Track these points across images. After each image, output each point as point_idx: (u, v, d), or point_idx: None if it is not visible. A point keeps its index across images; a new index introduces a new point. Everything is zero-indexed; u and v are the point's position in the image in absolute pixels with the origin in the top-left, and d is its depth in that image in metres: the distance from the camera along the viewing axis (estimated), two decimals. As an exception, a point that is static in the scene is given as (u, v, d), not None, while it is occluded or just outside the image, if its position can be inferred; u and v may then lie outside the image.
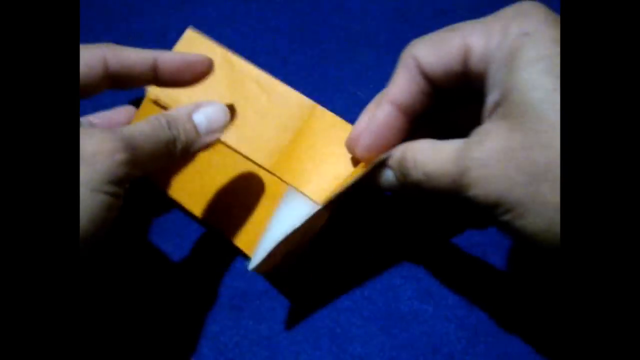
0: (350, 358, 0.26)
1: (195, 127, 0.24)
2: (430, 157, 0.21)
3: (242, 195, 0.29)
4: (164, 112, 0.24)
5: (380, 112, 0.23)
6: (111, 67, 0.25)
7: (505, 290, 0.28)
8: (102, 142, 0.20)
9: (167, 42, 0.37)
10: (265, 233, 0.27)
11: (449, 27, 0.22)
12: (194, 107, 0.25)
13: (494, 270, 0.28)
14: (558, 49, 0.18)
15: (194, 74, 0.27)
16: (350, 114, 0.34)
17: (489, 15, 0.21)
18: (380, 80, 0.35)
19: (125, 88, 0.26)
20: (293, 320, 0.27)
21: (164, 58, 0.26)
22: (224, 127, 0.26)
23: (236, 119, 0.30)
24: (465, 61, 0.21)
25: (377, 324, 0.27)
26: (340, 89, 0.34)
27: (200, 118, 0.25)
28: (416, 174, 0.21)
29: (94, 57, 0.25)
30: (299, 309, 0.28)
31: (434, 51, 0.21)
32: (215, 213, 0.29)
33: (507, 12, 0.20)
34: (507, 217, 0.18)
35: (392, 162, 0.23)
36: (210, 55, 0.28)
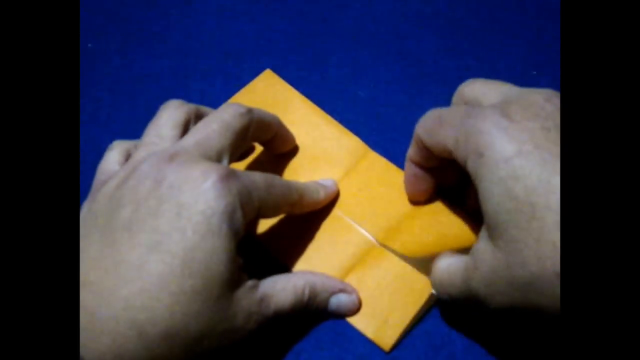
0: (352, 358, 0.26)
1: (326, 303, 0.27)
2: (447, 280, 0.24)
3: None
4: (309, 280, 0.26)
5: (407, 168, 0.28)
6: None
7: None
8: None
9: (168, 42, 0.37)
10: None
11: (439, 115, 0.24)
12: (338, 289, 0.27)
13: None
14: (511, 166, 0.19)
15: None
16: (350, 113, 0.34)
17: (463, 115, 0.22)
18: (380, 80, 0.35)
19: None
20: (295, 319, 0.27)
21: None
22: (348, 315, 0.27)
23: (305, 161, 0.31)
24: (450, 154, 0.23)
25: (378, 323, 0.27)
26: (340, 89, 0.34)
27: (334, 302, 0.27)
28: (443, 294, 0.25)
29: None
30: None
31: (428, 137, 0.24)
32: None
33: (467, 126, 0.21)
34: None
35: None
36: (283, 95, 0.33)
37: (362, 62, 0.35)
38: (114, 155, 0.27)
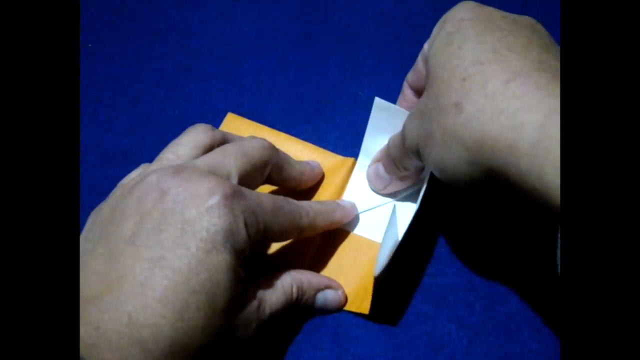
0: (352, 358, 0.26)
1: (313, 300, 0.27)
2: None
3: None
4: (296, 278, 0.26)
5: (401, 102, 0.30)
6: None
7: (507, 290, 0.28)
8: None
9: (168, 42, 0.37)
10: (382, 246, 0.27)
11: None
12: (324, 286, 0.27)
13: (495, 270, 0.28)
14: (460, 24, 0.23)
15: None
16: (350, 114, 0.34)
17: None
18: (380, 79, 0.35)
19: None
20: (295, 320, 0.27)
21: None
22: (335, 309, 0.28)
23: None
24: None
25: (379, 324, 0.27)
26: (340, 89, 0.34)
27: (320, 299, 0.27)
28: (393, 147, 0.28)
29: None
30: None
31: (412, 72, 0.28)
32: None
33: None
34: (425, 160, 0.24)
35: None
36: (250, 131, 0.32)
37: (362, 62, 0.35)
38: (134, 173, 0.26)
